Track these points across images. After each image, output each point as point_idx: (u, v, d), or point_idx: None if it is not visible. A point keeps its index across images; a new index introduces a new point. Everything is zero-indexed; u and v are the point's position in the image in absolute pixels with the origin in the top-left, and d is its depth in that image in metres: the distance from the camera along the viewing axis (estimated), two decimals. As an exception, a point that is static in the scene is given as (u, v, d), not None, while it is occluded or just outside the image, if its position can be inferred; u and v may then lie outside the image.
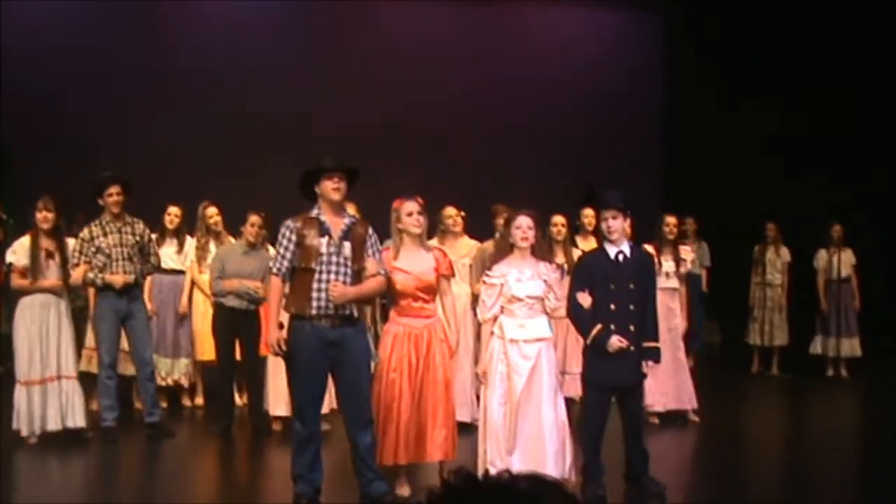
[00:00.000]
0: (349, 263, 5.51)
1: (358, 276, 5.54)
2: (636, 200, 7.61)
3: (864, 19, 11.16)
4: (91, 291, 7.90)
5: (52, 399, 7.01)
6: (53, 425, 7.01)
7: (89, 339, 7.95)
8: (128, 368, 7.92)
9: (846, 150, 11.27)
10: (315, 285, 5.45)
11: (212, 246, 8.35)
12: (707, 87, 12.19)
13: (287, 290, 5.57)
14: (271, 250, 7.86)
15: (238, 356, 7.79)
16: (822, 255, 10.92)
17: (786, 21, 11.72)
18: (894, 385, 10.22)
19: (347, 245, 5.53)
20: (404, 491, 5.84)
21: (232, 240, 8.27)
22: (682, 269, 8.32)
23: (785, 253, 10.95)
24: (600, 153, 12.53)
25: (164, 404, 8.29)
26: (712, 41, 12.35)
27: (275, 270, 5.56)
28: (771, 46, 11.85)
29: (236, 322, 7.59)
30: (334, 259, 5.49)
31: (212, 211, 8.49)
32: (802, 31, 11.58)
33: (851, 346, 10.91)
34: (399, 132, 11.75)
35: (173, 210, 8.52)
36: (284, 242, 5.53)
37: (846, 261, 10.82)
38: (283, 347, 5.47)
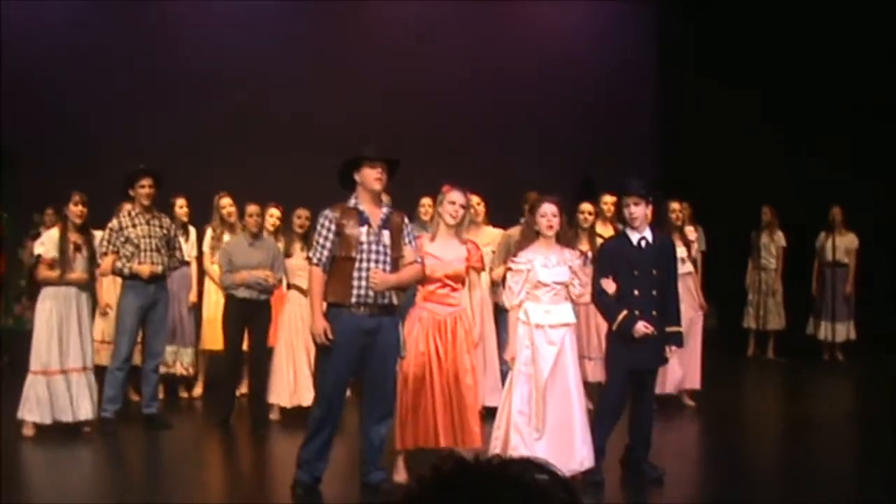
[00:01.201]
0: (388, 252, 5.55)
1: (396, 265, 5.59)
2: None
3: (859, 9, 11.14)
4: (100, 285, 7.94)
5: (63, 390, 7.00)
6: (63, 417, 7.01)
7: (97, 332, 7.94)
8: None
9: (844, 134, 11.26)
10: (356, 273, 5.48)
11: (226, 237, 8.35)
12: (702, 74, 12.19)
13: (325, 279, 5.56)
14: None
15: (246, 346, 7.80)
16: (821, 237, 10.95)
17: (781, 5, 11.70)
18: (890, 369, 10.25)
19: (386, 234, 5.57)
20: (401, 476, 5.86)
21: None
22: (694, 252, 8.39)
23: (780, 237, 10.96)
24: (596, 141, 12.54)
25: (161, 395, 8.29)
26: (706, 27, 12.35)
27: (315, 260, 5.56)
28: (765, 31, 11.86)
29: (248, 313, 7.60)
30: (374, 248, 5.52)
31: (226, 202, 8.49)
32: (798, 14, 11.57)
33: (846, 330, 10.93)
34: (396, 125, 11.72)
35: (179, 202, 8.54)
36: (324, 232, 5.54)
37: (844, 245, 10.83)
38: (331, 336, 5.47)
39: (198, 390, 8.77)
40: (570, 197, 8.84)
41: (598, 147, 12.37)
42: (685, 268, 8.19)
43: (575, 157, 12.05)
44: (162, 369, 8.24)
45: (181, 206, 8.52)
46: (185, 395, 8.76)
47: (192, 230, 8.63)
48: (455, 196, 5.84)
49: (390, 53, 12.05)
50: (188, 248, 8.52)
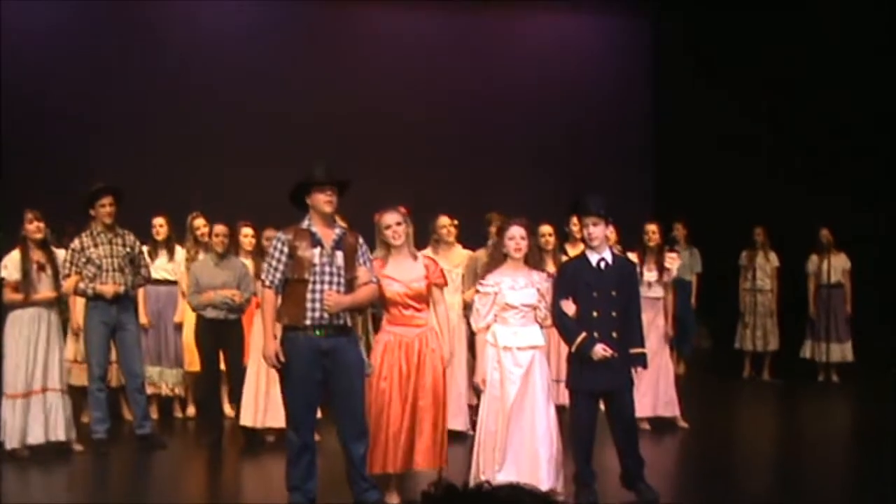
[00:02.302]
0: (342, 273, 5.54)
1: (350, 286, 5.57)
2: (626, 206, 7.68)
3: (855, 22, 11.19)
4: (73, 304, 7.89)
5: (37, 412, 6.98)
6: (34, 439, 6.98)
7: (70, 352, 7.92)
8: (117, 380, 7.90)
9: (837, 155, 11.29)
10: (309, 296, 5.47)
11: (201, 256, 8.35)
12: (696, 92, 12.22)
13: (279, 301, 5.58)
14: (245, 261, 7.91)
15: (223, 366, 7.77)
16: (813, 259, 10.95)
17: (776, 25, 11.76)
18: (885, 390, 10.23)
19: (339, 255, 5.55)
20: (394, 500, 5.84)
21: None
22: (667, 278, 8.25)
23: (774, 258, 10.97)
24: (590, 159, 12.55)
25: (154, 415, 8.26)
26: (701, 46, 12.39)
27: (268, 283, 5.57)
28: (760, 51, 11.89)
29: (218, 333, 7.59)
30: (327, 269, 5.51)
31: (199, 222, 8.51)
32: (793, 35, 11.62)
33: (842, 352, 10.93)
34: (389, 139, 11.76)
35: (158, 221, 8.54)
36: (276, 254, 5.55)
37: (837, 265, 10.84)
38: (282, 359, 5.47)
39: (191, 410, 8.74)
40: (563, 214, 8.86)
41: (592, 167, 12.38)
42: (652, 292, 8.06)
43: (569, 177, 12.05)
44: (151, 389, 8.25)
45: (160, 226, 8.51)
46: (179, 414, 8.73)
47: (180, 249, 8.60)
48: (388, 219, 5.82)
49: (381, 70, 12.05)
50: (174, 267, 8.51)
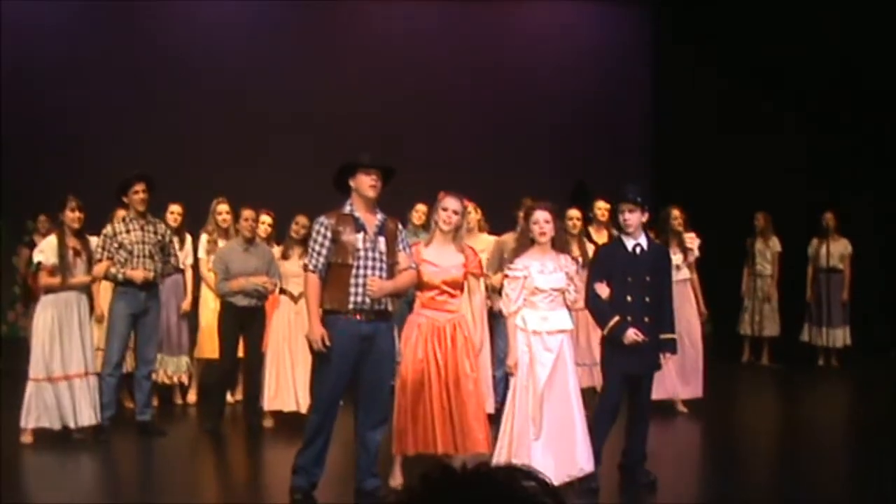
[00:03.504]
0: (384, 258, 5.57)
1: (392, 271, 5.60)
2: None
3: (855, 11, 11.17)
4: (97, 292, 7.93)
5: (72, 396, 6.98)
6: (68, 422, 7.00)
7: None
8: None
9: (838, 140, 11.29)
10: (353, 280, 5.49)
11: (221, 243, 8.33)
12: (696, 78, 12.21)
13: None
14: (274, 248, 7.94)
15: (241, 353, 7.79)
16: (814, 243, 10.97)
17: (776, 12, 11.74)
18: (885, 375, 10.26)
19: (382, 240, 5.58)
20: (397, 482, 5.86)
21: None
22: (691, 258, 8.41)
23: (775, 243, 10.97)
24: (590, 147, 12.57)
25: (154, 402, 8.28)
26: (701, 33, 12.38)
27: (311, 267, 5.57)
28: (761, 37, 11.88)
29: (244, 320, 7.61)
30: (370, 254, 5.53)
31: (222, 207, 8.46)
32: (793, 22, 11.60)
33: (841, 336, 10.95)
34: (391, 130, 11.75)
35: (176, 209, 8.50)
36: (320, 239, 5.54)
37: (837, 251, 10.85)
38: (328, 343, 5.47)
39: (192, 397, 8.76)
40: (563, 202, 8.88)
41: (593, 152, 12.39)
42: (682, 274, 8.22)
43: (569, 164, 12.06)
44: (164, 379, 8.30)
45: (173, 213, 8.49)
46: (179, 401, 8.75)
47: (189, 237, 8.60)
48: (449, 202, 5.84)
49: (384, 59, 12.07)
50: (183, 256, 8.50)
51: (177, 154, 11.07)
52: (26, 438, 7.01)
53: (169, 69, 11.55)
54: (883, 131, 11.11)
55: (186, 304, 8.52)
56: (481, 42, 12.51)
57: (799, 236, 10.93)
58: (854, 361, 10.88)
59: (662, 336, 5.97)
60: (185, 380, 8.62)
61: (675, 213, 8.41)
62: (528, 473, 1.25)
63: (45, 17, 11.29)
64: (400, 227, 5.77)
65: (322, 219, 5.60)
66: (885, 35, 10.96)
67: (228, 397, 8.29)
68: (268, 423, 7.73)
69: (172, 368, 8.47)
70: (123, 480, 6.81)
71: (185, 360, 8.53)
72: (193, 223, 8.63)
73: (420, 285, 5.85)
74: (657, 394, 8.15)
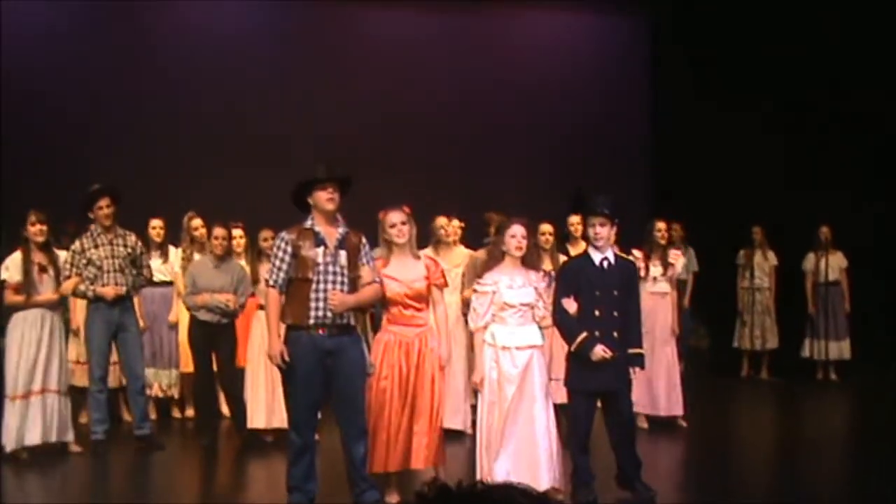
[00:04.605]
0: (345, 272, 5.56)
1: (354, 285, 5.59)
2: (624, 205, 7.64)
3: (851, 22, 11.19)
4: (73, 305, 7.89)
5: (35, 413, 6.97)
6: (33, 439, 6.97)
7: (72, 353, 7.90)
8: (117, 381, 7.90)
9: (835, 153, 11.29)
10: (313, 295, 5.48)
11: (196, 257, 8.33)
12: (694, 91, 12.22)
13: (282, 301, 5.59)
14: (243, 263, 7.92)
15: (215, 368, 7.77)
16: (810, 257, 10.96)
17: (774, 24, 11.75)
18: (884, 388, 10.24)
19: (343, 254, 5.57)
20: (393, 499, 5.85)
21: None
22: (671, 273, 8.37)
23: (772, 256, 10.99)
24: (588, 158, 12.54)
25: (153, 416, 8.26)
26: (699, 44, 12.38)
27: (271, 283, 5.58)
28: (759, 48, 11.88)
29: (210, 335, 7.58)
30: (331, 269, 5.52)
31: (196, 223, 8.50)
32: (791, 34, 11.61)
33: (840, 349, 10.93)
34: (386, 140, 11.75)
35: (157, 223, 8.52)
36: (280, 254, 5.55)
37: (835, 264, 10.85)
38: (286, 359, 5.48)
39: (190, 411, 8.74)
40: (561, 213, 8.88)
41: (590, 166, 12.37)
42: (658, 287, 8.18)
43: (567, 176, 12.04)
44: (158, 393, 8.29)
45: (154, 227, 8.49)
46: (177, 415, 8.73)
47: (173, 250, 8.59)
48: (393, 217, 5.83)
49: (381, 70, 12.03)
50: (168, 269, 8.50)
51: (160, 167, 11.00)
52: (20, 453, 6.98)
53: (151, 80, 11.45)
54: (883, 142, 11.12)
55: (173, 317, 8.53)
56: (480, 51, 12.48)
57: (792, 250, 10.93)
58: (854, 375, 10.86)
59: (630, 351, 5.92)
60: (175, 393, 8.59)
61: (660, 225, 8.37)
62: (524, 491, 1.24)
63: (33, 30, 11.18)
64: (363, 240, 5.73)
65: (283, 234, 5.62)
66: (883, 54, 10.99)
67: (225, 410, 8.25)
68: (269, 436, 7.69)
69: (166, 382, 8.45)
70: (120, 494, 6.79)
71: (175, 373, 8.53)
72: (177, 237, 8.61)
73: (385, 303, 5.84)
74: (656, 410, 8.18)
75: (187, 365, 8.39)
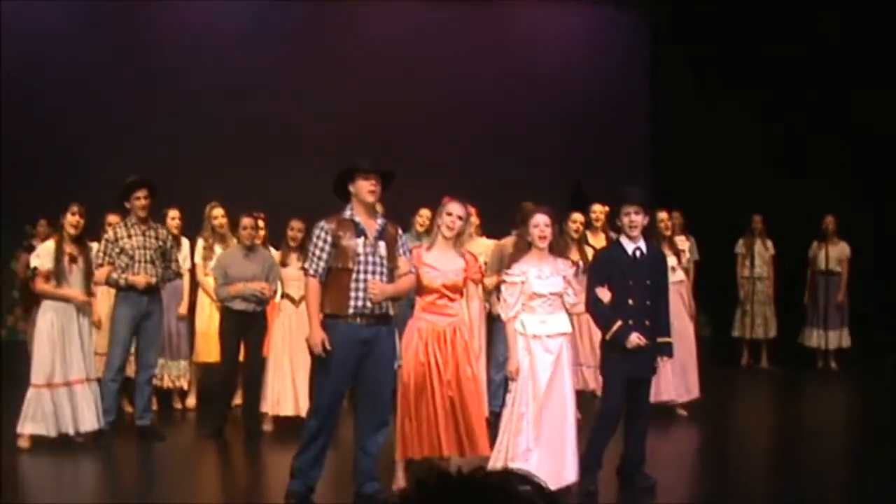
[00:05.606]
0: (385, 263, 5.59)
1: (391, 275, 5.62)
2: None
3: (851, 16, 11.19)
4: (94, 300, 7.92)
5: (71, 402, 6.97)
6: (68, 428, 6.98)
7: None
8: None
9: (834, 144, 11.30)
10: (353, 285, 5.51)
11: (217, 248, 8.33)
12: (694, 91, 12.23)
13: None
14: (272, 251, 7.95)
15: (242, 358, 7.79)
16: (814, 246, 10.99)
17: (774, 24, 11.76)
18: (884, 377, 10.27)
19: (382, 245, 5.60)
20: (400, 486, 5.87)
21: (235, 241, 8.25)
22: (684, 260, 8.43)
23: (770, 245, 11.00)
24: (588, 149, 12.56)
25: (154, 407, 8.28)
26: (699, 44, 12.39)
27: (311, 272, 5.58)
28: (758, 42, 11.89)
29: (243, 325, 7.61)
30: (371, 259, 5.55)
31: (218, 212, 8.46)
32: (789, 27, 11.62)
33: (838, 338, 10.96)
34: (389, 135, 11.74)
35: (175, 214, 8.52)
36: (320, 244, 5.56)
37: (836, 254, 10.87)
38: (328, 347, 5.49)
39: (191, 401, 8.76)
40: (561, 206, 8.89)
41: (589, 157, 12.38)
42: (676, 276, 8.25)
43: (566, 167, 12.06)
44: (167, 384, 8.31)
45: (173, 218, 8.50)
46: (178, 406, 8.75)
47: (186, 242, 8.61)
48: (453, 208, 5.85)
49: (382, 64, 12.05)
50: (181, 260, 8.50)
51: (177, 158, 11.05)
52: (23, 443, 7.00)
53: (168, 71, 11.52)
54: (883, 134, 11.12)
55: (183, 309, 8.53)
56: (481, 50, 12.50)
57: (794, 239, 10.95)
58: (853, 364, 10.89)
59: (660, 340, 5.98)
60: (185, 385, 8.62)
61: (661, 215, 8.38)
62: (524, 477, 1.26)
63: (38, 25, 11.22)
64: (400, 231, 5.79)
65: (322, 223, 5.61)
66: (880, 48, 10.98)
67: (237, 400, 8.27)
68: (267, 426, 7.73)
69: (175, 373, 8.48)
70: (123, 485, 6.81)
71: (184, 364, 8.54)
72: (193, 228, 8.63)
73: (420, 289, 5.86)
74: (656, 397, 8.21)
75: (204, 355, 8.40)
